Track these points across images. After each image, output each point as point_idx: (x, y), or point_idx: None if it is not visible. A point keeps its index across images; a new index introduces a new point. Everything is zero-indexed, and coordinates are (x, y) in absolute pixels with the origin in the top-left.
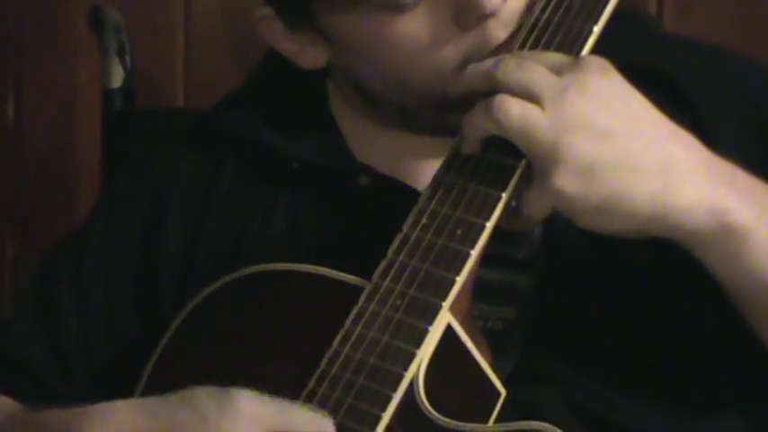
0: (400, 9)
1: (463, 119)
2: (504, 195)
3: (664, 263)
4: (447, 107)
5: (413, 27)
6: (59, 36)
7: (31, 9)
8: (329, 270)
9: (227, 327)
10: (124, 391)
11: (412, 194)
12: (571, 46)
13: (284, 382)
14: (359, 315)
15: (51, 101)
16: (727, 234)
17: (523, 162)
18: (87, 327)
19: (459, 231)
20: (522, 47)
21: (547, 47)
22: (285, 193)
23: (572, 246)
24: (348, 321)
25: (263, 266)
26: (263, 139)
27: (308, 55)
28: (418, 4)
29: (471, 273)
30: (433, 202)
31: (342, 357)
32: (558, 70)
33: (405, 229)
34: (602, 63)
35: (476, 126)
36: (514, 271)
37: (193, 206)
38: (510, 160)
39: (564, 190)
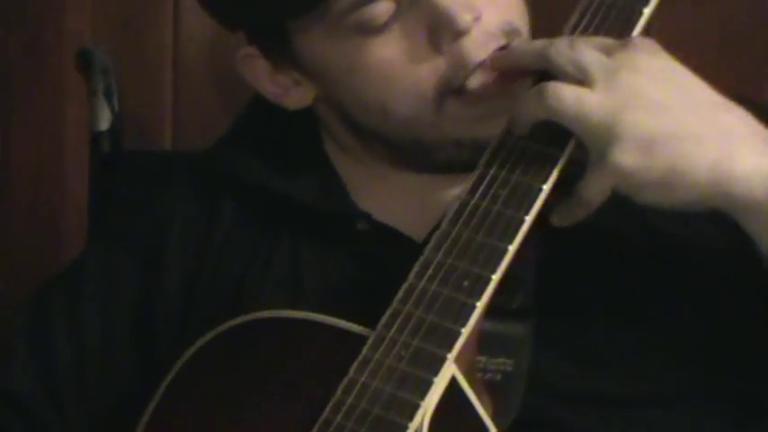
0: (373, 32)
1: (516, 107)
2: (510, 248)
3: (658, 305)
4: (429, 143)
5: (387, 50)
6: (48, 77)
7: (20, 50)
8: (333, 318)
9: (225, 377)
10: (117, 429)
11: (409, 244)
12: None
13: (287, 430)
14: (363, 364)
15: (40, 141)
16: None
17: (532, 214)
18: (82, 360)
19: (465, 283)
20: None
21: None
22: (286, 236)
23: (565, 292)
24: (352, 371)
25: (263, 313)
26: (263, 181)
27: (293, 96)
28: (391, 26)
29: (476, 325)
30: (440, 251)
31: (346, 407)
32: (608, 52)
33: (411, 278)
34: (651, 43)
35: (528, 113)
36: (510, 321)
37: (192, 248)
38: (523, 206)
39: (625, 165)
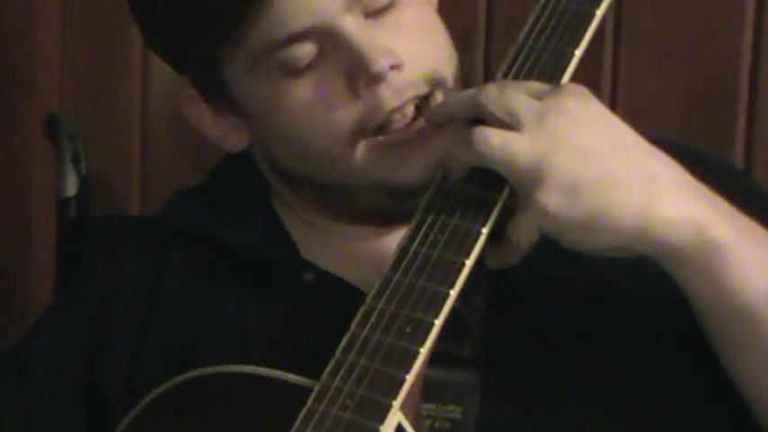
0: (295, 73)
1: (446, 153)
2: (452, 292)
3: (606, 357)
4: (348, 187)
5: (307, 91)
6: (15, 143)
7: None
8: (278, 371)
9: None
10: None
11: (355, 293)
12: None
13: None
14: (308, 416)
15: (6, 207)
16: (708, 250)
17: (472, 258)
18: None
19: (408, 329)
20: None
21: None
22: (232, 287)
23: (514, 341)
24: (298, 422)
25: (208, 369)
26: (209, 230)
27: (231, 139)
28: (312, 69)
29: (421, 371)
30: (382, 299)
31: None
32: (538, 96)
33: (353, 327)
34: (580, 88)
35: (458, 159)
36: (458, 369)
37: (140, 305)
38: (463, 250)
39: (549, 208)
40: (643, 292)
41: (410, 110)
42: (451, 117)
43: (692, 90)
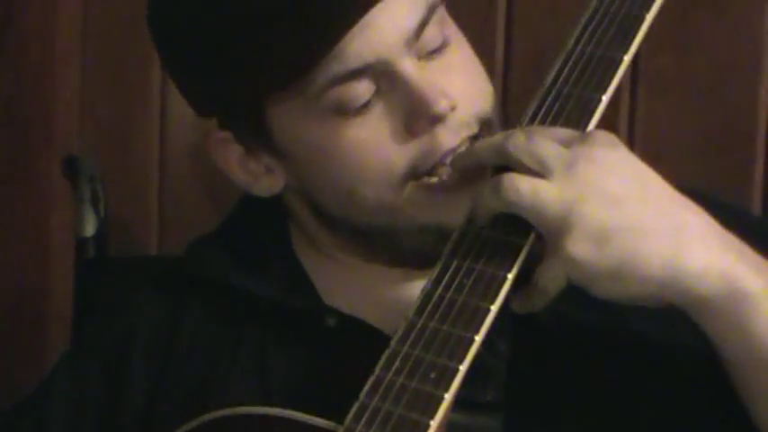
0: (350, 113)
1: (474, 199)
2: (477, 338)
3: (632, 405)
4: (395, 230)
5: (362, 132)
6: (33, 183)
7: (6, 155)
8: (299, 413)
9: None
10: None
11: (378, 337)
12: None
13: None
14: None
15: (25, 247)
16: (737, 300)
17: (497, 304)
18: None
19: (432, 375)
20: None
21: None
22: (252, 334)
23: (537, 387)
24: None
25: (229, 410)
26: (230, 279)
27: (263, 184)
28: (369, 108)
29: (445, 416)
30: (407, 343)
31: None
32: (566, 144)
33: (377, 371)
34: (609, 136)
35: (486, 205)
36: (481, 415)
37: (158, 350)
38: (488, 296)
39: (578, 257)
40: (668, 339)
41: (463, 149)
42: (478, 163)
43: (709, 133)
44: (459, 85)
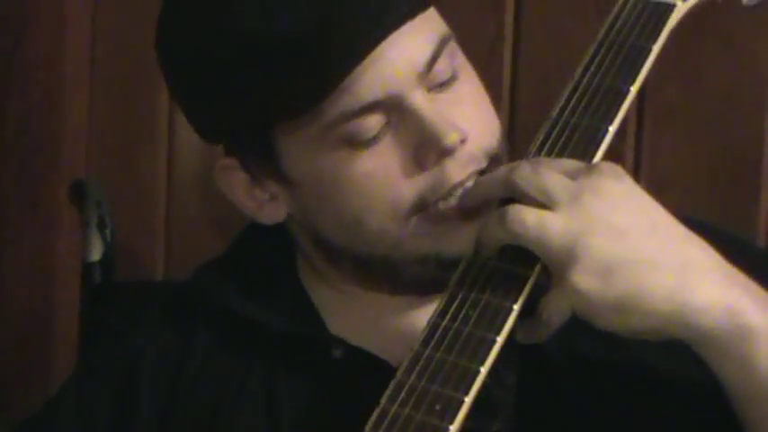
0: (361, 144)
1: (479, 230)
2: (482, 369)
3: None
4: (397, 260)
5: (372, 163)
6: (41, 207)
7: (14, 180)
8: None
9: None
10: None
11: (385, 368)
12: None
13: None
14: None
15: (31, 272)
16: (742, 335)
17: (503, 335)
18: None
19: (437, 406)
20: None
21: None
22: (260, 363)
23: (545, 418)
24: None
25: None
26: (236, 308)
27: (267, 211)
28: (379, 140)
29: None
30: (412, 374)
31: None
32: (572, 175)
33: (383, 402)
34: (614, 168)
35: (492, 236)
36: None
37: (165, 378)
38: (494, 327)
39: (582, 288)
40: (675, 372)
41: (470, 184)
42: (486, 198)
43: (715, 164)
44: (469, 119)
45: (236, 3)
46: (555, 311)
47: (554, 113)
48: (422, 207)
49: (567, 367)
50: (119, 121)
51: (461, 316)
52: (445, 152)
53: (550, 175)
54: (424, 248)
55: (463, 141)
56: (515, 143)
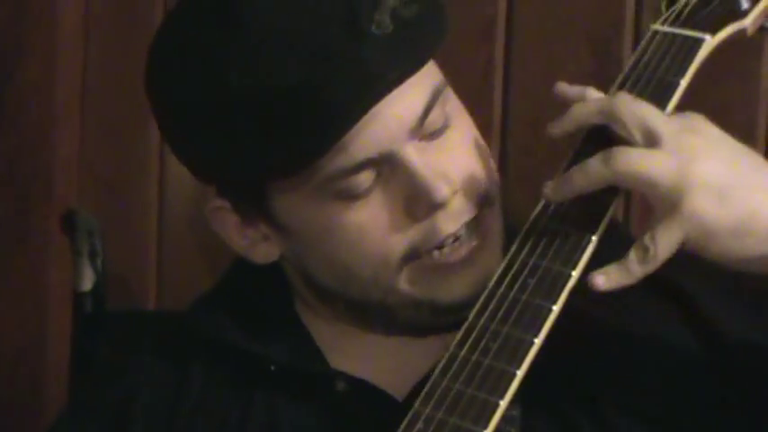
0: (353, 198)
1: (574, 170)
2: (502, 403)
3: None
4: (391, 306)
5: (364, 215)
6: (32, 237)
7: (6, 210)
8: None
9: None
10: None
11: (388, 401)
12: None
13: None
14: None
15: (22, 301)
16: None
17: (523, 369)
18: None
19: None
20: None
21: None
22: (260, 395)
23: None
24: None
25: None
26: (235, 341)
27: (260, 251)
28: (370, 193)
29: None
30: (428, 405)
31: None
32: (666, 116)
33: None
34: (704, 118)
35: (594, 177)
36: None
37: (160, 414)
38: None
39: (701, 212)
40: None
41: (462, 232)
42: (580, 124)
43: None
44: (461, 167)
45: (227, 54)
46: (664, 244)
47: (578, 146)
48: (414, 257)
49: (571, 400)
50: (110, 151)
51: (481, 347)
52: (436, 207)
53: (651, 110)
54: (418, 296)
55: (455, 193)
56: (507, 172)
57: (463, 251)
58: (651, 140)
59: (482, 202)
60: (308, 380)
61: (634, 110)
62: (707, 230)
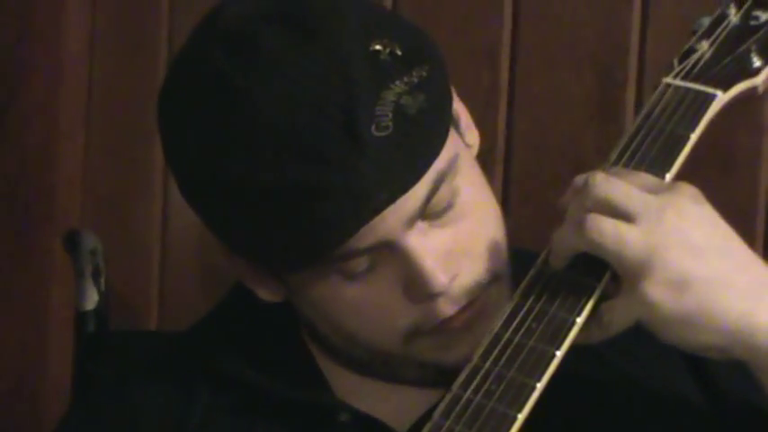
0: (354, 276)
1: (553, 237)
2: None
3: None
4: (396, 364)
5: (364, 293)
6: (35, 256)
7: (8, 229)
8: None
9: None
10: None
11: None
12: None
13: None
14: None
15: (24, 321)
16: None
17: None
18: None
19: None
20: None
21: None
22: (264, 427)
23: None
24: None
25: None
26: (239, 372)
27: (268, 291)
28: (371, 272)
29: None
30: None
31: None
32: (652, 191)
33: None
34: (694, 190)
35: (567, 244)
36: None
37: None
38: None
39: (655, 299)
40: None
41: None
42: (568, 255)
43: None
44: (466, 246)
45: (225, 140)
46: (619, 317)
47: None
48: (419, 333)
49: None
50: (114, 171)
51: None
52: (432, 297)
53: (630, 188)
54: (423, 358)
55: (454, 278)
56: (510, 194)
57: (467, 315)
58: (630, 216)
59: (487, 279)
60: (313, 410)
61: (609, 188)
62: (660, 319)
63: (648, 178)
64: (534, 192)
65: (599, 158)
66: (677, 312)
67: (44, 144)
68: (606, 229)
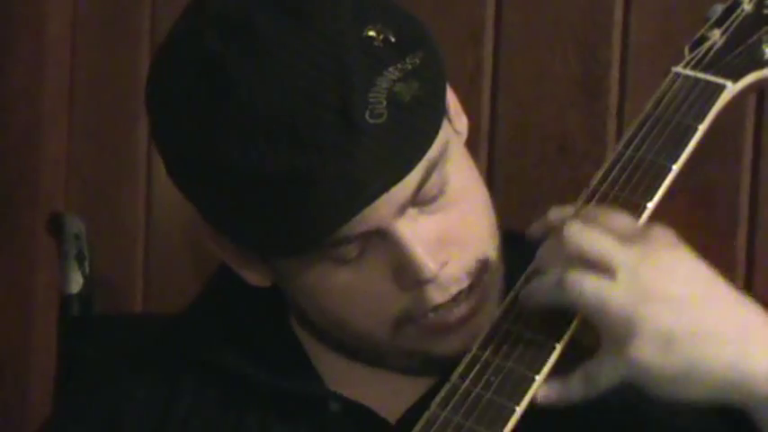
0: (341, 262)
1: (532, 285)
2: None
3: None
4: (383, 352)
5: (354, 278)
6: (19, 240)
7: None
8: None
9: None
10: None
11: (382, 424)
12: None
13: None
14: None
15: (8, 304)
16: None
17: (522, 405)
18: None
19: None
20: (599, 185)
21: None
22: (252, 417)
23: None
24: None
25: None
26: (228, 363)
27: (255, 276)
28: (361, 257)
29: None
30: None
31: None
32: (626, 239)
33: None
34: (669, 235)
35: (547, 297)
36: None
37: (152, 422)
38: (514, 397)
39: (642, 360)
40: None
41: (454, 297)
42: (544, 303)
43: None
44: (456, 233)
45: (217, 126)
46: (605, 376)
47: (594, 183)
48: (407, 320)
49: None
50: (98, 154)
51: (483, 380)
52: (422, 283)
53: (605, 239)
54: (412, 347)
55: (444, 264)
56: (495, 174)
57: (461, 310)
58: (607, 272)
59: (479, 267)
60: (302, 399)
61: (587, 240)
62: (648, 377)
63: (624, 222)
64: (518, 171)
65: (582, 138)
66: (667, 371)
67: (27, 128)
68: (587, 289)
